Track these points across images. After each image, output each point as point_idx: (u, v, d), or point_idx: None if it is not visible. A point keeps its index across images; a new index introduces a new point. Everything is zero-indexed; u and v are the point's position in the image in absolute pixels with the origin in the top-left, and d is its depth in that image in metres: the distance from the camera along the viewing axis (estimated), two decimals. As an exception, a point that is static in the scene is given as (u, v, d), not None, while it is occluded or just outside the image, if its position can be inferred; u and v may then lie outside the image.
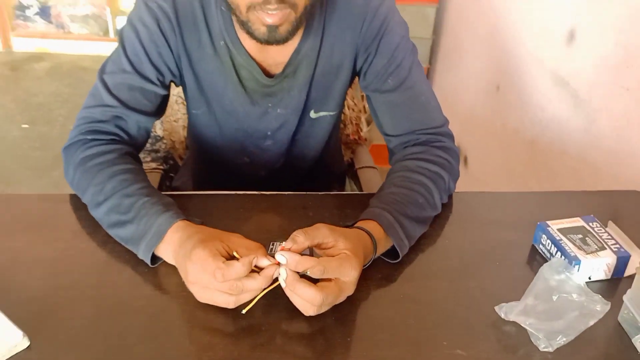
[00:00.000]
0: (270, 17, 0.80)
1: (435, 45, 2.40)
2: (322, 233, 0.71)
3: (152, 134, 1.39)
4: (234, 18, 0.90)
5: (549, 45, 1.46)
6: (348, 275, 0.68)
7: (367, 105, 1.22)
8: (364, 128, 1.53)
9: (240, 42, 0.93)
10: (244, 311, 0.68)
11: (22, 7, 3.50)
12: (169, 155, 1.39)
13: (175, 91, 1.37)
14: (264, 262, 0.67)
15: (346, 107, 1.44)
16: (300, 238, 0.68)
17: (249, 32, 0.84)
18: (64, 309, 0.70)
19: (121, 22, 3.44)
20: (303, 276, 0.67)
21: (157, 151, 1.38)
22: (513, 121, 1.64)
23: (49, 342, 0.65)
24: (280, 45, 0.91)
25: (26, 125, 2.76)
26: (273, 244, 0.77)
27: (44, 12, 3.50)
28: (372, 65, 0.96)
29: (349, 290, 0.70)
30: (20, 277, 0.74)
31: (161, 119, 1.39)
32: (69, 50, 3.50)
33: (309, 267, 0.66)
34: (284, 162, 1.11)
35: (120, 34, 0.93)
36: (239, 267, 0.65)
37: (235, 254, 0.69)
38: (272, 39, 0.83)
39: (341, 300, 0.71)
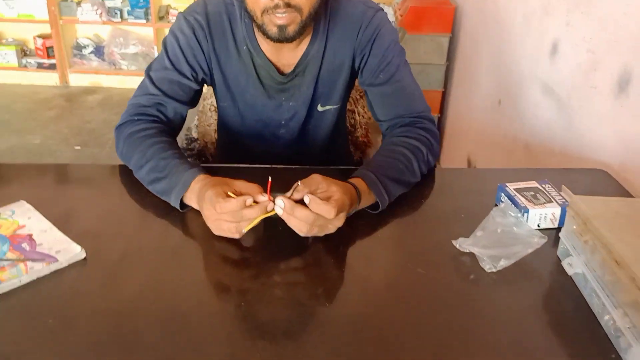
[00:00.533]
0: (279, 19, 1.01)
1: (449, 70, 2.60)
2: (316, 181, 0.90)
3: (188, 136, 1.63)
4: (254, 25, 1.12)
5: (538, 59, 1.63)
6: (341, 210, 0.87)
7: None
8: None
9: (260, 47, 1.15)
10: (244, 230, 0.86)
11: (79, 47, 3.89)
12: (201, 153, 1.60)
13: (209, 100, 1.60)
14: (260, 198, 0.86)
15: (357, 114, 1.64)
16: (300, 186, 0.87)
17: (264, 33, 1.06)
18: (113, 238, 0.90)
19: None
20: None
21: (192, 149, 1.60)
22: (512, 129, 1.81)
23: (101, 258, 0.85)
24: (291, 49, 1.13)
25: (79, 147, 3.06)
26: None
27: (98, 51, 3.88)
28: (367, 64, 1.16)
29: (339, 222, 0.88)
30: (78, 216, 0.95)
31: (196, 124, 1.63)
32: (118, 84, 3.85)
33: (325, 210, 0.83)
34: (296, 151, 1.30)
35: (164, 41, 1.16)
36: (233, 202, 0.84)
37: (230, 193, 0.88)
38: (282, 36, 1.04)
39: (331, 231, 0.88)
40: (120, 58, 3.83)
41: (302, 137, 1.28)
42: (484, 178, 1.15)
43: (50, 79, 3.85)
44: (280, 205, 0.84)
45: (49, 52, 3.82)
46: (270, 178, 0.86)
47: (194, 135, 1.63)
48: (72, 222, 0.92)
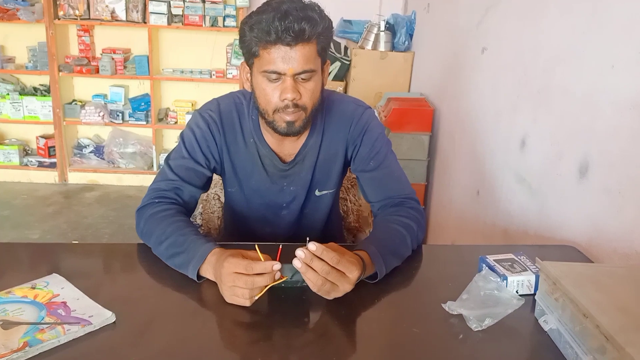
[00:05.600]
0: (288, 115, 1.18)
1: (430, 165, 2.80)
2: (333, 247, 1.03)
3: (193, 223, 1.75)
4: (261, 122, 1.29)
5: (509, 151, 1.83)
6: (352, 273, 0.99)
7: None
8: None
9: (264, 139, 1.31)
10: (256, 297, 0.97)
11: (80, 147, 4.08)
12: (205, 238, 1.72)
13: (213, 190, 1.75)
14: (276, 266, 0.98)
15: (348, 201, 1.79)
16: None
17: (274, 128, 1.22)
18: (138, 305, 1.00)
19: (164, 157, 3.97)
20: None
21: (196, 235, 1.72)
22: (491, 216, 1.96)
23: (129, 322, 0.95)
24: (292, 141, 1.30)
25: (76, 241, 3.15)
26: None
27: (98, 151, 4.07)
28: (358, 153, 1.33)
29: (349, 285, 0.99)
30: (105, 287, 1.05)
31: (201, 212, 1.76)
32: (116, 182, 4.01)
33: (329, 256, 0.96)
34: (295, 233, 1.43)
35: (182, 134, 1.32)
36: (263, 264, 0.97)
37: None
38: (290, 131, 1.21)
39: (340, 294, 0.99)
40: (119, 157, 4.01)
41: (302, 219, 1.42)
42: (466, 253, 1.28)
43: (49, 177, 4.00)
44: (300, 256, 0.95)
45: (50, 151, 3.99)
46: (281, 246, 0.98)
47: (199, 222, 1.76)
48: (100, 292, 1.02)
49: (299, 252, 0.96)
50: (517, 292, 1.06)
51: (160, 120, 3.97)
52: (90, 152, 4.08)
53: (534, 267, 1.10)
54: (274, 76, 1.15)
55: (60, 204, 3.68)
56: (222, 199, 1.70)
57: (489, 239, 1.98)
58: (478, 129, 2.18)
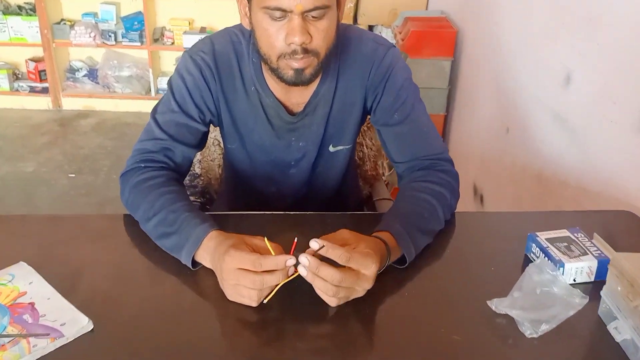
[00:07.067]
0: (297, 62, 0.96)
1: (451, 94, 2.56)
2: (344, 236, 0.85)
3: (191, 172, 1.56)
4: (263, 66, 1.06)
5: (549, 87, 1.59)
6: (369, 269, 0.80)
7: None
8: (386, 172, 1.68)
9: (268, 87, 1.09)
10: (265, 300, 0.80)
11: (73, 70, 3.82)
12: (205, 190, 1.54)
13: (212, 134, 1.54)
14: (288, 262, 0.79)
15: (365, 146, 1.59)
16: (321, 241, 0.80)
17: (279, 77, 1.00)
18: (121, 303, 0.84)
19: (162, 81, 3.72)
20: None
21: (195, 187, 1.54)
22: (521, 158, 1.76)
23: (110, 327, 0.79)
24: (301, 89, 1.07)
25: (73, 175, 2.99)
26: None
27: (92, 74, 3.81)
28: (380, 103, 1.11)
29: (368, 284, 0.81)
30: (86, 277, 0.88)
31: (199, 159, 1.57)
32: (113, 108, 3.78)
33: (337, 254, 0.78)
34: (306, 192, 1.25)
35: (170, 82, 1.10)
36: (274, 259, 0.79)
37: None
38: (299, 80, 0.99)
39: (360, 294, 0.82)
40: (115, 81, 3.76)
41: (313, 178, 1.23)
42: (506, 222, 1.10)
43: (42, 103, 3.78)
44: (305, 264, 0.78)
45: (41, 75, 3.75)
46: (296, 239, 0.80)
47: (197, 171, 1.57)
48: (77, 285, 0.85)
49: (303, 258, 0.77)
50: (574, 280, 0.89)
51: (155, 40, 3.67)
52: (84, 75, 3.83)
53: (595, 248, 0.92)
54: (277, 14, 0.92)
55: (55, 132, 3.49)
56: (223, 145, 1.50)
57: (518, 183, 1.79)
58: (508, 55, 1.92)
